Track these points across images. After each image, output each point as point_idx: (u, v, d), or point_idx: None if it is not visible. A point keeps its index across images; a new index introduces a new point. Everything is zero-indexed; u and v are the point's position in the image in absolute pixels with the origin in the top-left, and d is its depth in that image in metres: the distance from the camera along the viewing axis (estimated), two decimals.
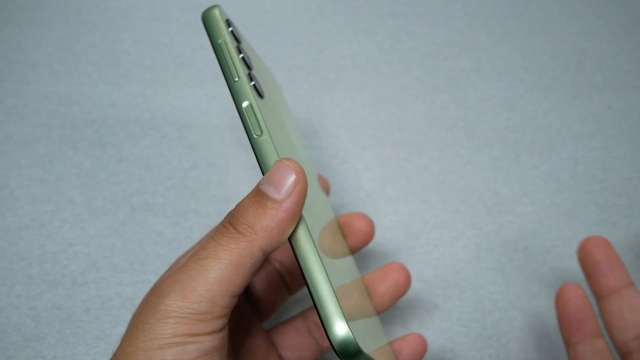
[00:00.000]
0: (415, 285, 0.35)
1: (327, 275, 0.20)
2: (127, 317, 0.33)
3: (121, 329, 0.33)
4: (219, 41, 0.25)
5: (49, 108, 0.41)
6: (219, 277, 0.20)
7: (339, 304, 0.20)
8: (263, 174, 0.22)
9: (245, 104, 0.23)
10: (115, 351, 0.21)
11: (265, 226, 0.21)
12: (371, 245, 0.36)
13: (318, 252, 0.21)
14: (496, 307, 0.34)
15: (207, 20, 0.25)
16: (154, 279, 0.35)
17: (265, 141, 0.22)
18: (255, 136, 0.23)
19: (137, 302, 0.34)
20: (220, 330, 0.21)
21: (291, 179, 0.21)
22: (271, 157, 0.22)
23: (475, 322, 0.34)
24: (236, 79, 0.24)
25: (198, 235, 0.36)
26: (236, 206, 0.22)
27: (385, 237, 0.37)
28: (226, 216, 0.22)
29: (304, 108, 0.42)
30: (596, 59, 0.46)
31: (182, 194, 0.38)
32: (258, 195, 0.21)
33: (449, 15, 0.48)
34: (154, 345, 0.20)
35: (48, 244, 0.36)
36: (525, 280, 0.35)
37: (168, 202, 0.37)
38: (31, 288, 0.34)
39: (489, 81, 0.44)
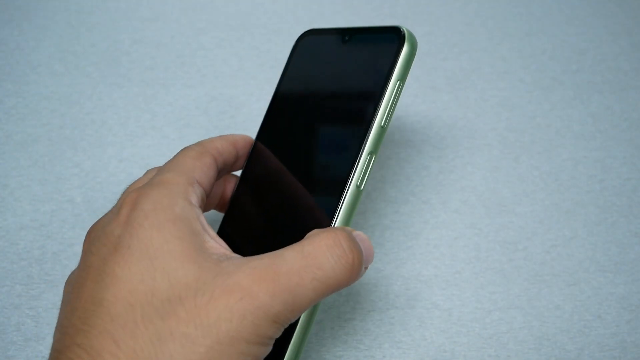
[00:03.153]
0: (416, 285, 0.35)
1: (306, 338, 0.24)
2: None
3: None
4: (400, 81, 0.24)
5: (49, 108, 0.41)
6: (317, 300, 0.22)
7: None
8: (335, 217, 0.24)
9: (370, 152, 0.24)
10: (207, 318, 0.21)
11: (358, 275, 0.23)
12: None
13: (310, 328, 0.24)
14: (496, 307, 0.34)
15: (407, 51, 0.23)
16: None
17: (359, 196, 0.24)
18: (356, 186, 0.24)
19: None
20: None
21: (372, 259, 0.25)
22: (353, 213, 0.24)
23: (475, 322, 0.34)
24: (383, 125, 0.24)
25: None
26: (346, 235, 0.23)
27: (385, 237, 0.37)
28: (341, 235, 0.23)
29: None
30: (596, 59, 0.46)
31: None
32: (359, 246, 0.24)
33: (449, 15, 0.48)
34: (258, 340, 0.21)
35: (48, 244, 0.36)
36: (525, 280, 0.35)
37: None
38: (31, 288, 0.34)
39: (489, 81, 0.44)
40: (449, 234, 0.37)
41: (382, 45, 0.25)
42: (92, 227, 0.25)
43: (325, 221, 0.24)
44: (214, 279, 0.21)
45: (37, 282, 0.34)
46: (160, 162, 0.39)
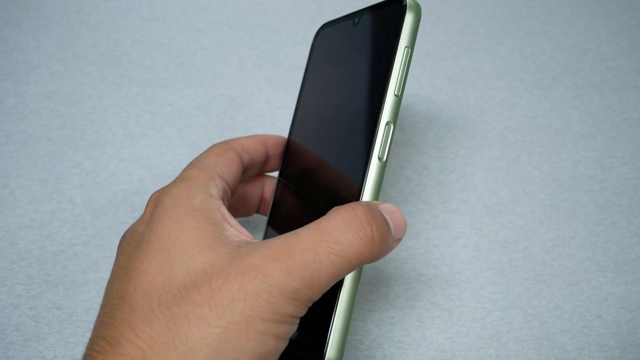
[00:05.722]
0: (415, 285, 0.35)
1: (350, 316, 0.23)
2: None
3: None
4: (408, 47, 0.23)
5: (49, 108, 0.41)
6: (339, 276, 0.22)
7: (344, 340, 0.23)
8: (360, 192, 0.24)
9: (388, 122, 0.23)
10: (221, 299, 0.21)
11: (384, 248, 0.23)
12: None
13: (354, 298, 0.23)
14: (496, 307, 0.34)
15: (412, 17, 0.24)
16: None
17: (382, 168, 0.23)
18: (378, 159, 0.23)
19: None
20: None
21: (404, 232, 0.24)
22: (379, 185, 0.24)
23: (475, 322, 0.34)
24: (397, 94, 0.23)
25: None
26: (367, 207, 0.23)
27: None
28: (359, 209, 0.23)
29: None
30: (596, 59, 0.46)
31: None
32: (385, 218, 0.23)
33: (449, 15, 0.48)
34: (275, 319, 0.21)
35: (48, 244, 0.36)
36: (525, 280, 0.35)
37: None
38: (31, 288, 0.34)
39: (489, 81, 0.44)
40: (449, 234, 0.37)
41: (388, 18, 0.25)
42: (125, 232, 0.26)
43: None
44: (230, 263, 0.22)
45: (37, 282, 0.34)
46: (160, 162, 0.39)
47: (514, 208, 0.38)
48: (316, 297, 0.22)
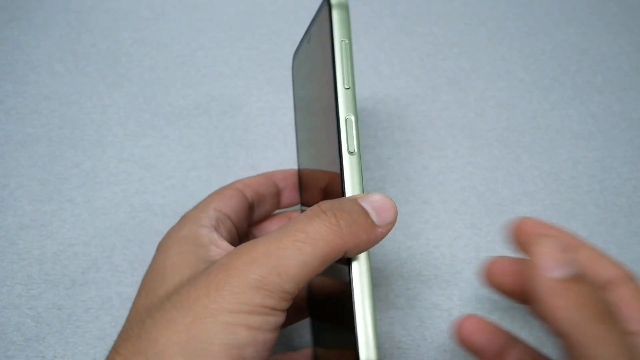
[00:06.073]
0: (415, 285, 0.35)
1: (374, 310, 0.22)
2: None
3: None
4: (344, 40, 0.24)
5: (49, 108, 0.41)
6: (310, 264, 0.21)
7: (376, 337, 0.22)
8: (342, 189, 0.23)
9: (347, 116, 0.24)
10: (187, 300, 0.21)
11: (358, 235, 0.22)
12: None
13: (372, 287, 0.23)
14: (496, 307, 0.34)
15: (338, 12, 0.24)
16: None
17: (356, 160, 0.23)
18: (348, 153, 0.23)
19: None
20: (289, 307, 0.22)
21: (391, 216, 0.23)
22: (358, 178, 0.23)
23: None
24: (347, 87, 0.24)
25: None
26: (336, 201, 0.23)
27: (385, 237, 0.37)
28: (325, 204, 0.23)
29: None
30: (596, 59, 0.46)
31: (182, 194, 0.38)
32: (360, 206, 0.23)
33: (449, 15, 0.48)
34: (243, 309, 0.21)
35: (48, 244, 0.36)
36: None
37: (168, 202, 0.37)
38: (31, 288, 0.34)
39: (489, 81, 0.44)
40: (449, 234, 0.37)
41: (323, 22, 0.26)
42: None
43: None
44: (202, 271, 0.22)
45: (37, 282, 0.34)
46: (160, 162, 0.39)
47: (514, 208, 0.38)
48: (288, 286, 0.21)
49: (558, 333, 0.19)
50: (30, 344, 0.32)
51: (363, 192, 0.24)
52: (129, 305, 0.34)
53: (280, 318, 0.22)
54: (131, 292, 0.34)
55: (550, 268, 0.20)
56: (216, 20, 0.47)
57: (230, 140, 0.40)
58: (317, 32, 0.27)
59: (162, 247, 0.26)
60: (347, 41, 0.24)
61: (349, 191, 0.24)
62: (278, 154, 0.40)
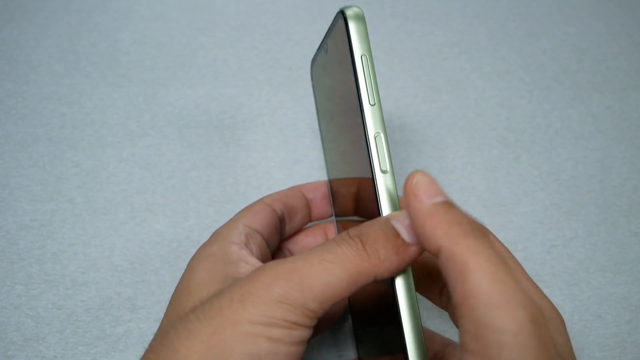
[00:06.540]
0: None
1: (420, 324, 0.22)
2: (127, 317, 0.33)
3: (121, 329, 0.33)
4: (364, 55, 0.23)
5: (49, 108, 0.41)
6: (336, 285, 0.21)
7: (424, 352, 0.22)
8: (379, 208, 0.23)
9: (376, 133, 0.23)
10: (210, 311, 0.21)
11: (389, 259, 0.22)
12: None
13: (416, 303, 0.22)
14: None
15: (356, 26, 0.23)
16: (154, 279, 0.35)
17: (390, 179, 0.23)
18: (381, 172, 0.23)
19: (138, 302, 0.34)
20: (315, 324, 0.22)
21: (416, 240, 0.23)
22: (394, 196, 0.23)
23: None
24: (372, 103, 0.23)
25: (198, 235, 0.36)
26: (364, 226, 0.23)
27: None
28: (351, 231, 0.23)
29: (304, 108, 0.42)
30: (596, 59, 0.46)
31: (182, 194, 0.38)
32: (390, 227, 0.23)
33: (449, 15, 0.48)
34: (264, 321, 0.21)
35: (48, 244, 0.36)
36: None
37: (168, 202, 0.37)
38: (31, 288, 0.34)
39: (489, 81, 0.44)
40: None
41: (340, 34, 0.25)
42: None
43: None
44: (229, 285, 0.23)
45: (37, 282, 0.34)
46: (160, 162, 0.39)
47: (514, 208, 0.38)
48: (312, 304, 0.21)
49: (435, 250, 0.21)
50: (30, 344, 0.32)
51: (399, 209, 0.23)
52: (128, 305, 0.34)
53: (305, 332, 0.22)
54: (131, 292, 0.34)
55: (426, 195, 0.21)
56: (216, 20, 0.47)
57: (230, 140, 0.40)
58: (334, 44, 0.26)
59: (191, 264, 0.26)
60: (367, 56, 0.23)
61: (386, 210, 0.23)
62: (278, 154, 0.40)
